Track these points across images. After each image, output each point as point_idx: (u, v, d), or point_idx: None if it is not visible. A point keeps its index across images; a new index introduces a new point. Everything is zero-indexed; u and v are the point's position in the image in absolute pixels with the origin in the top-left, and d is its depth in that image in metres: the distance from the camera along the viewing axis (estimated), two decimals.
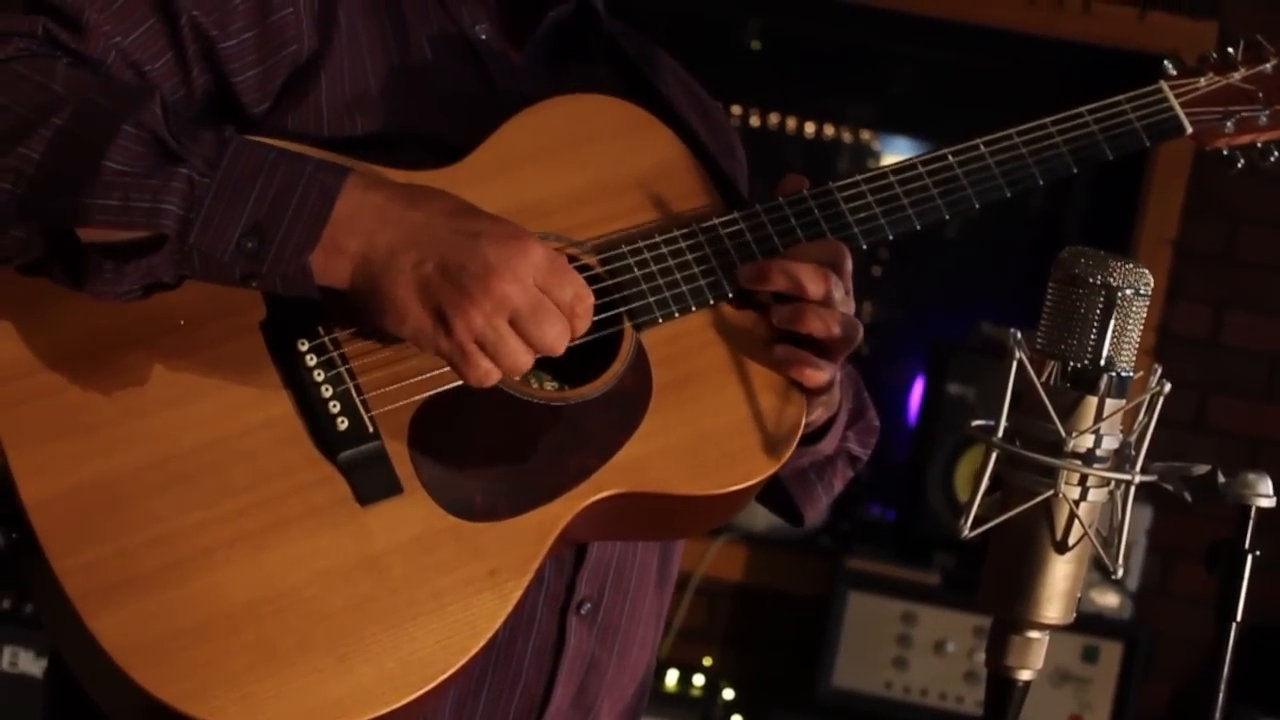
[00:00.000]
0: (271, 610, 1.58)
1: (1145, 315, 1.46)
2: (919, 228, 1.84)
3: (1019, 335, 1.47)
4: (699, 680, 4.21)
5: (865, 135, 4.93)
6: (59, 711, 1.81)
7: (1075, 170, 1.89)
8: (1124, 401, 1.46)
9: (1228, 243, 4.42)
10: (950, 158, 1.85)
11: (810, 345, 1.76)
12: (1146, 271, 1.46)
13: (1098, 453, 1.45)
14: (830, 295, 1.75)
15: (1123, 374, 1.46)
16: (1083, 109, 1.89)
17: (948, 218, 1.85)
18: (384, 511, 1.63)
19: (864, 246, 1.81)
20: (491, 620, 1.63)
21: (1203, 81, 1.94)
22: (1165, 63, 1.94)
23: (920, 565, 4.17)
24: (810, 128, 4.90)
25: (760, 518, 4.36)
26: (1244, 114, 1.95)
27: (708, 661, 4.34)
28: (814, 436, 1.88)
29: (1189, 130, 1.93)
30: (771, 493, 1.97)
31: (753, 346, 1.77)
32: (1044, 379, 1.46)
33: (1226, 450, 4.28)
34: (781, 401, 1.76)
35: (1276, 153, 1.98)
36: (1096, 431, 1.44)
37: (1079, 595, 1.49)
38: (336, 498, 1.62)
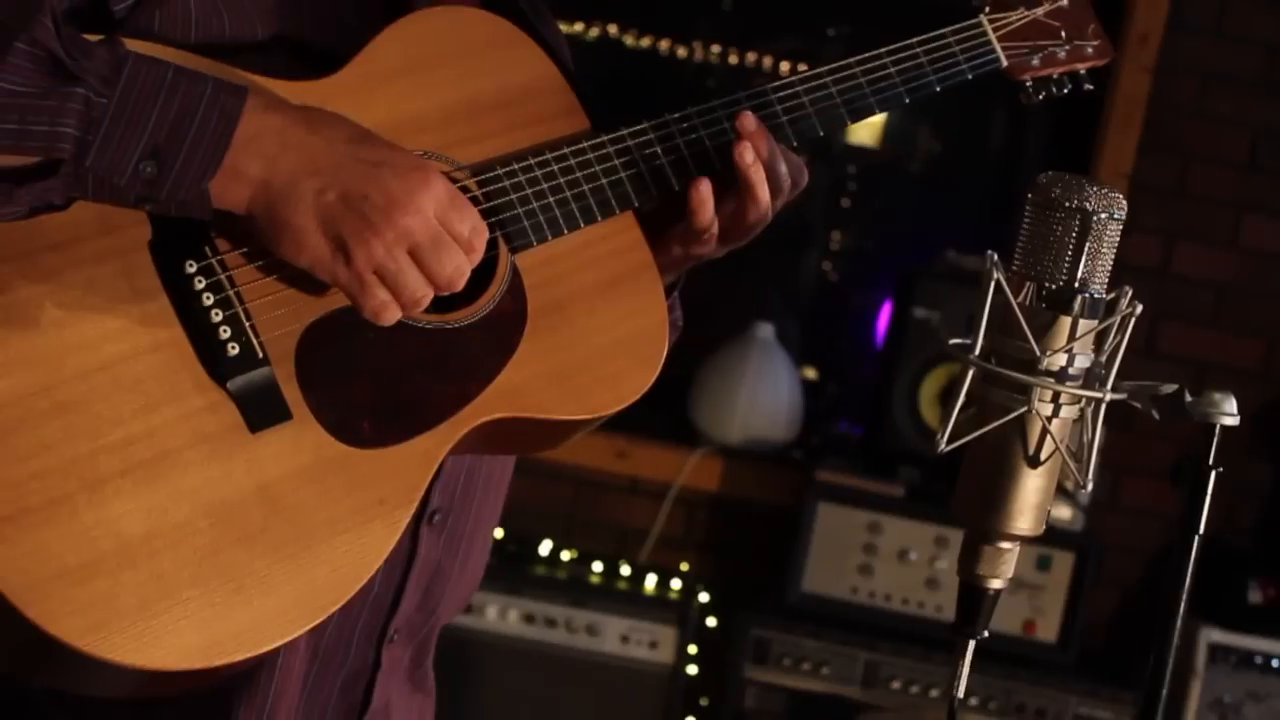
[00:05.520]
0: (165, 544, 1.47)
1: (1119, 239, 1.42)
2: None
3: (995, 257, 1.42)
4: (676, 584, 4.18)
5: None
6: None
7: (907, 101, 1.84)
8: (1096, 322, 1.42)
9: (1179, 178, 4.39)
10: (797, 85, 1.80)
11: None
12: (1120, 196, 1.42)
13: (1070, 371, 1.41)
14: (776, 197, 1.73)
15: (1096, 295, 1.41)
16: (912, 40, 1.84)
17: (795, 144, 1.79)
18: (274, 439, 1.53)
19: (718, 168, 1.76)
20: (382, 548, 1.55)
21: (1014, 16, 1.89)
22: None
23: (886, 478, 4.15)
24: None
25: (735, 432, 4.34)
26: (1049, 48, 1.90)
27: (684, 567, 4.31)
28: None
29: (1004, 64, 1.88)
30: None
31: (624, 269, 1.72)
32: (1020, 299, 1.41)
33: (1175, 374, 4.25)
34: (649, 323, 1.71)
35: (1070, 85, 1.93)
36: (1070, 351, 1.41)
37: (1049, 508, 1.45)
38: (227, 425, 1.51)
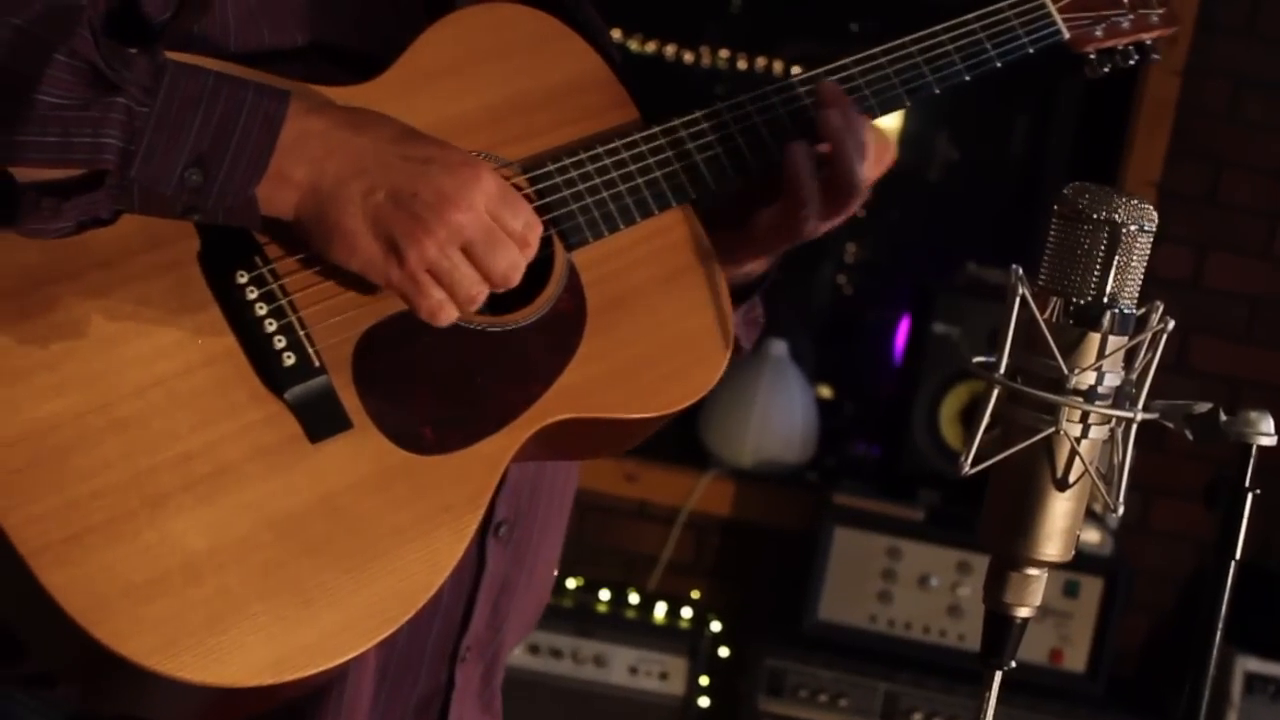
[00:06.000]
0: (230, 558, 1.49)
1: (1149, 252, 1.42)
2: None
3: (1020, 271, 1.42)
4: (687, 613, 4.18)
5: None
6: None
7: (968, 79, 1.84)
8: (1126, 339, 1.41)
9: (1210, 186, 4.38)
10: (851, 68, 1.81)
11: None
12: (1150, 207, 1.41)
13: (1099, 390, 1.40)
14: (865, 165, 1.74)
15: (1125, 311, 1.41)
16: (969, 16, 1.85)
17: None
18: (335, 449, 1.55)
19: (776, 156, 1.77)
20: (450, 556, 1.57)
21: None
22: None
23: (905, 501, 4.15)
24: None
25: (747, 453, 4.34)
26: (1112, 17, 1.91)
27: (696, 595, 4.31)
28: (740, 294, 1.83)
29: (1065, 36, 1.88)
30: None
31: (683, 262, 1.73)
32: (1046, 315, 1.41)
33: (1208, 390, 4.25)
34: (713, 317, 1.72)
35: (1136, 56, 1.94)
36: (1099, 368, 1.40)
37: (1078, 533, 1.44)
38: (287, 437, 1.54)
